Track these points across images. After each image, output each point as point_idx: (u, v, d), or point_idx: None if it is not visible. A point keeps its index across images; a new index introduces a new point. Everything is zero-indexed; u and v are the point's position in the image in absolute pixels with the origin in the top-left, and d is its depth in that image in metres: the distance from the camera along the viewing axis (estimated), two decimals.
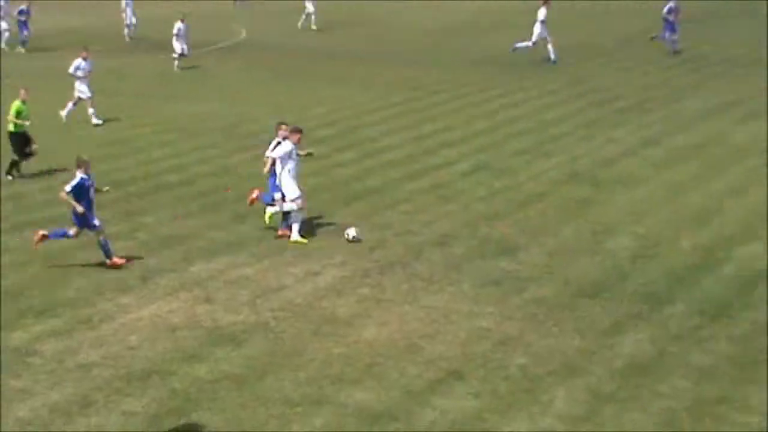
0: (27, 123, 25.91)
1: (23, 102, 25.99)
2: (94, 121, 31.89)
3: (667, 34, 42.78)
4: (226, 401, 14.30)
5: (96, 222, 19.59)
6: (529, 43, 41.83)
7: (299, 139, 21.11)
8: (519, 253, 20.30)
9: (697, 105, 33.46)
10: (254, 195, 21.93)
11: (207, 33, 45.78)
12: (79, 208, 19.33)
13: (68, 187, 19.32)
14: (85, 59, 31.91)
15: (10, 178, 25.59)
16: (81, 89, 31.90)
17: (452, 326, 16.80)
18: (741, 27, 50.91)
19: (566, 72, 40.15)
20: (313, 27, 52.99)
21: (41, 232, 19.79)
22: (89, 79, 31.95)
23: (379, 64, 43.03)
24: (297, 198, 20.89)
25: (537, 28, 41.69)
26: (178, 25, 41.98)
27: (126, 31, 50.56)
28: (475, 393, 14.46)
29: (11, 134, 25.97)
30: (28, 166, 25.99)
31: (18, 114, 25.89)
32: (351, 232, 20.98)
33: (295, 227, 20.98)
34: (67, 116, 31.90)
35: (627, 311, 17.38)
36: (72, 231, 19.74)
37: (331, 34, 52.06)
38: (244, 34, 52.13)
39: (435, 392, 14.50)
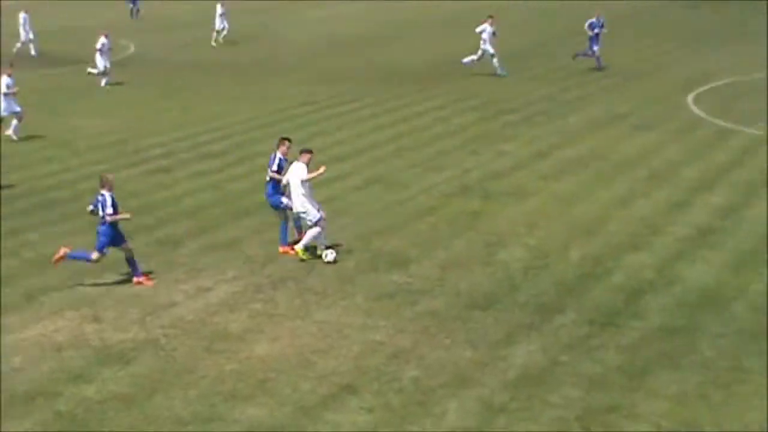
0: None
1: None
2: None
3: (595, 48, 42.72)
4: (114, 422, 14.02)
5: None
6: (494, 62, 42.01)
7: (309, 159, 20.73)
8: (411, 266, 20.33)
9: (585, 117, 33.93)
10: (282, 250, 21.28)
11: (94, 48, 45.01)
12: (127, 215, 19.33)
13: (110, 209, 18.97)
14: (9, 76, 31.45)
15: None
16: (4, 106, 31.29)
17: (345, 340, 16.73)
18: (629, 40, 51.83)
19: (457, 85, 40.41)
20: (213, 44, 52.42)
21: (63, 251, 19.24)
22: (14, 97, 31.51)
23: (272, 78, 42.81)
24: (319, 220, 20.46)
25: (482, 45, 41.86)
26: (102, 40, 41.19)
27: (19, 45, 49.62)
28: (369, 407, 14.41)
29: None
30: None
31: None
32: (329, 255, 20.48)
33: (308, 241, 20.51)
34: (15, 132, 31.54)
35: (519, 322, 17.52)
36: (94, 256, 19.30)
37: (224, 49, 51.64)
38: (132, 48, 51.44)
39: (327, 407, 14.42)
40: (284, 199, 21.07)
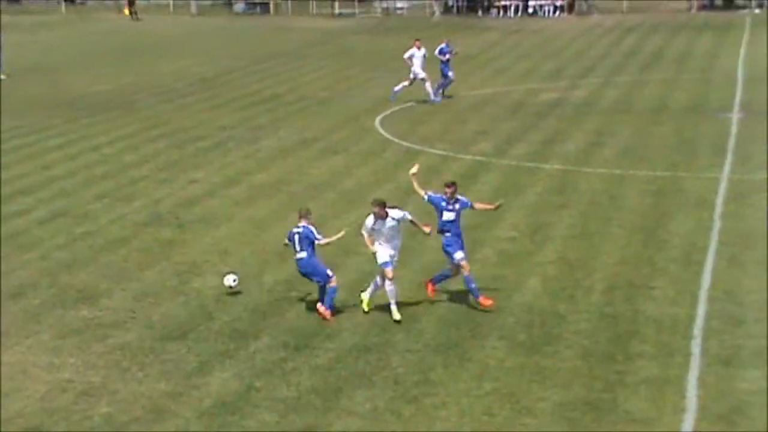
0: None
1: None
2: None
3: (449, 74, 41.65)
4: None
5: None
6: (406, 83, 40.78)
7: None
8: (101, 299, 19.79)
9: (275, 143, 34.18)
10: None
11: None
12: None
13: (319, 236, 19.04)
14: None
15: None
16: None
17: (31, 381, 16.06)
18: (315, 66, 52.79)
19: (144, 114, 39.79)
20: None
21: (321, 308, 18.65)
22: None
23: None
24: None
25: (413, 69, 40.50)
26: None
27: None
28: None
29: None
30: None
31: None
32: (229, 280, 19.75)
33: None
34: None
35: (214, 350, 17.38)
36: (333, 283, 18.91)
37: None
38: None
39: None
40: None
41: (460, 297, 19.63)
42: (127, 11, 77.73)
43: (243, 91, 44.91)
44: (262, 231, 24.33)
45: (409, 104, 40.92)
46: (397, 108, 40.11)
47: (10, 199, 27.26)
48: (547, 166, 30.07)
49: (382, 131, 35.88)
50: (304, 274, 19.15)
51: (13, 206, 26.52)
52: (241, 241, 23.61)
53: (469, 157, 31.57)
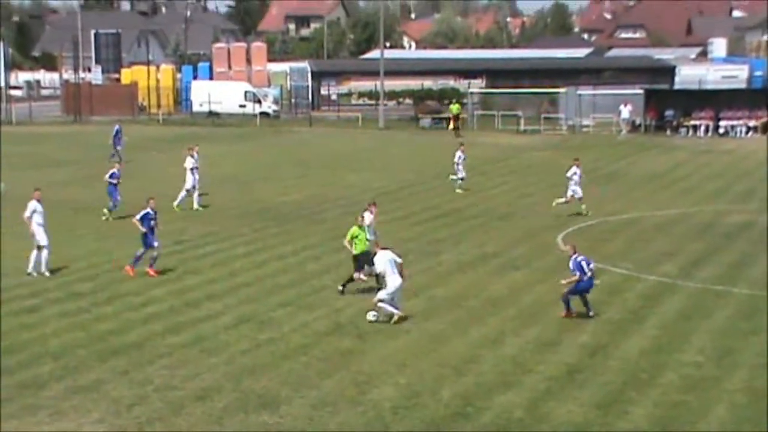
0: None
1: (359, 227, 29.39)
2: None
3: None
4: None
5: None
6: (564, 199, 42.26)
7: None
8: (281, 406, 20.12)
9: (455, 257, 34.35)
10: None
11: None
12: None
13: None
14: None
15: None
16: None
17: None
18: (498, 181, 53.13)
19: (328, 225, 40.60)
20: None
21: None
22: None
23: None
24: None
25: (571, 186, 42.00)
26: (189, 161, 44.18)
27: None
28: None
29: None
30: None
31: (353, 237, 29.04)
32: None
33: None
34: None
35: None
36: None
37: (101, 187, 51.04)
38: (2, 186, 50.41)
39: None
40: None
41: (634, 412, 19.18)
42: (452, 126, 78.28)
43: (424, 204, 45.41)
44: (440, 345, 24.38)
45: (592, 222, 40.64)
46: (580, 225, 39.86)
47: (199, 303, 28.12)
48: (736, 290, 29.27)
49: (564, 248, 35.62)
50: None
51: (201, 311, 27.33)
52: (419, 353, 23.70)
53: (653, 277, 31.03)
